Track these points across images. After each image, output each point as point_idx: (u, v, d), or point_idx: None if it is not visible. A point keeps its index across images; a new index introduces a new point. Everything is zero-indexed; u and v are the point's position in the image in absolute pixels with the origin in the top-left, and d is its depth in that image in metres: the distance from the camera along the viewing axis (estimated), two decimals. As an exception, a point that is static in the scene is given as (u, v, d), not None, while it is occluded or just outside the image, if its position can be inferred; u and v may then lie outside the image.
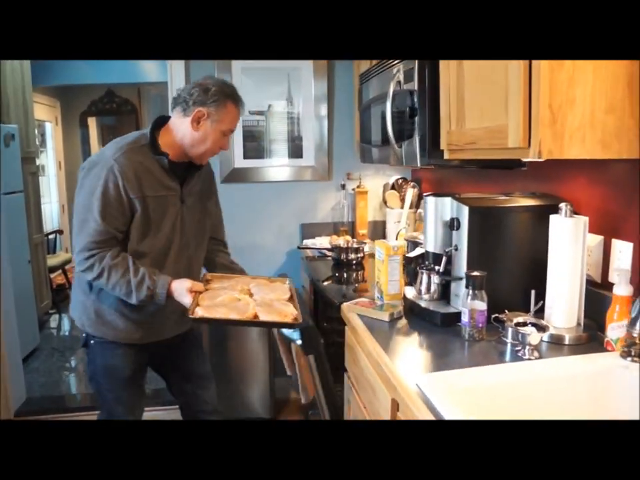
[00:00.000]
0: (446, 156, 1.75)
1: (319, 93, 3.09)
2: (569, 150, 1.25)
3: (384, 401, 1.34)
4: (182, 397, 2.08)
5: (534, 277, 1.59)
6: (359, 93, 2.56)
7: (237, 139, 3.04)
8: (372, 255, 2.64)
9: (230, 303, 1.66)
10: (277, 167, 3.11)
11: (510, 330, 1.46)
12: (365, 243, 2.53)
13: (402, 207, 2.95)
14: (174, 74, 3.05)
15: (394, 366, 1.31)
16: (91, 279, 1.73)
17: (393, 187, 3.00)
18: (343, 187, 3.10)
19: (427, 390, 1.17)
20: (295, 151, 3.12)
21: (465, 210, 1.56)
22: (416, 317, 1.67)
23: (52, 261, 5.21)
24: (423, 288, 1.70)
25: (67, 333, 4.81)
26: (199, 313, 1.58)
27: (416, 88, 1.80)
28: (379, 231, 3.16)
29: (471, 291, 1.49)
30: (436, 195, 1.69)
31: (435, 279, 1.66)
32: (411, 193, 2.52)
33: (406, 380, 1.23)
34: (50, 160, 7.08)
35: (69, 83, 5.64)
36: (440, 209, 1.66)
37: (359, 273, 2.42)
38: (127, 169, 1.69)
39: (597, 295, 1.53)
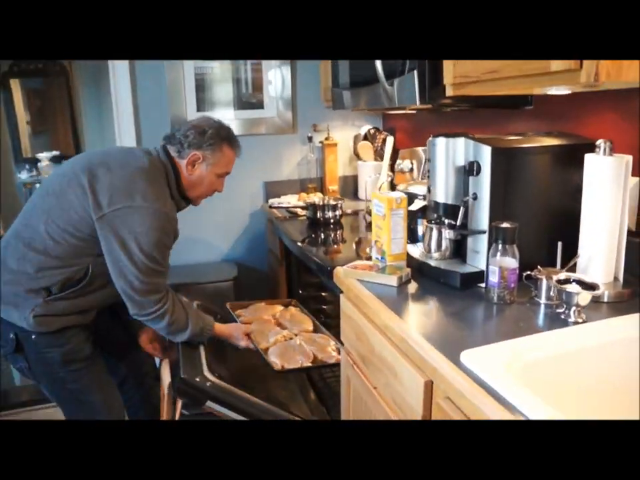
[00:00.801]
0: (449, 92, 1.50)
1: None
2: (627, 72, 1.03)
3: (412, 384, 1.10)
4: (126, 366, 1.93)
5: (562, 228, 1.38)
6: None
7: (189, 88, 2.69)
8: (355, 213, 2.39)
9: (286, 343, 1.80)
10: (235, 119, 2.77)
11: (545, 289, 1.25)
12: (342, 199, 2.26)
13: (375, 159, 2.69)
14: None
15: (424, 342, 1.06)
16: (154, 315, 1.62)
17: (365, 138, 2.73)
18: (310, 139, 2.80)
19: (477, 368, 0.93)
20: (255, 101, 2.79)
21: (486, 151, 1.31)
22: (426, 279, 1.43)
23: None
24: (433, 245, 1.46)
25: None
26: (278, 364, 1.71)
27: (413, 10, 1.51)
28: (349, 186, 2.90)
29: (500, 246, 1.25)
30: (446, 135, 1.43)
31: (448, 234, 1.42)
32: (391, 141, 2.26)
33: (445, 358, 0.99)
34: (-31, 126, 6.42)
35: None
36: (452, 151, 1.41)
37: (338, 232, 2.16)
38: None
39: (633, 245, 1.33)
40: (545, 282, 1.25)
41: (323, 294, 2.48)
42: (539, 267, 1.28)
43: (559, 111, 1.65)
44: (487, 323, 1.20)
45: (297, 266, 2.39)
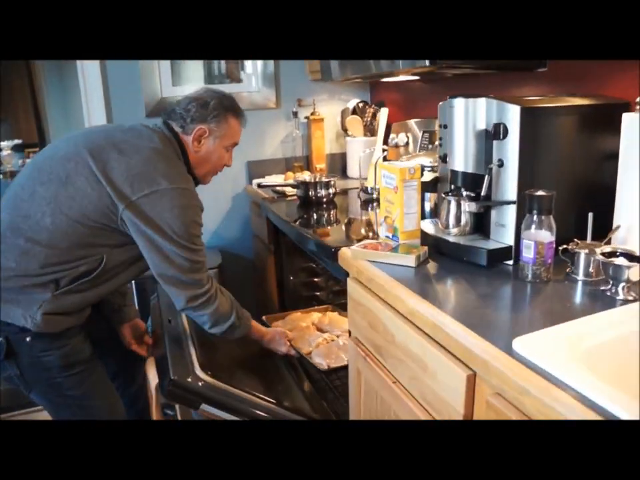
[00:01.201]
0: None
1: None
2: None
3: (449, 378, 0.94)
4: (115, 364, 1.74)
5: (592, 196, 1.25)
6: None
7: (164, 62, 2.48)
8: (345, 192, 2.23)
9: (329, 345, 1.78)
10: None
11: (584, 264, 1.11)
12: (335, 176, 2.08)
13: (365, 135, 2.52)
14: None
15: (466, 329, 0.91)
16: (206, 296, 1.50)
17: (353, 112, 2.56)
18: (295, 115, 2.62)
19: (536, 358, 0.79)
20: (234, 73, 2.59)
21: (514, 111, 1.16)
22: (445, 258, 1.28)
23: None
24: (451, 219, 1.31)
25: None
26: (324, 364, 1.69)
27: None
28: (337, 164, 2.73)
29: (535, 217, 1.11)
30: (465, 95, 1.27)
31: (468, 206, 1.27)
32: (385, 112, 2.10)
33: (496, 348, 0.84)
34: None
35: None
36: (471, 114, 1.25)
37: (332, 212, 1.99)
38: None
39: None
40: (583, 256, 1.11)
41: (316, 279, 2.32)
42: (575, 239, 1.15)
43: (578, 72, 1.51)
44: (528, 305, 1.05)
45: (287, 251, 2.22)
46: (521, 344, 0.83)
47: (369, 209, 1.97)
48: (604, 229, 1.17)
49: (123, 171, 1.37)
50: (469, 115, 1.25)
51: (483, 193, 1.22)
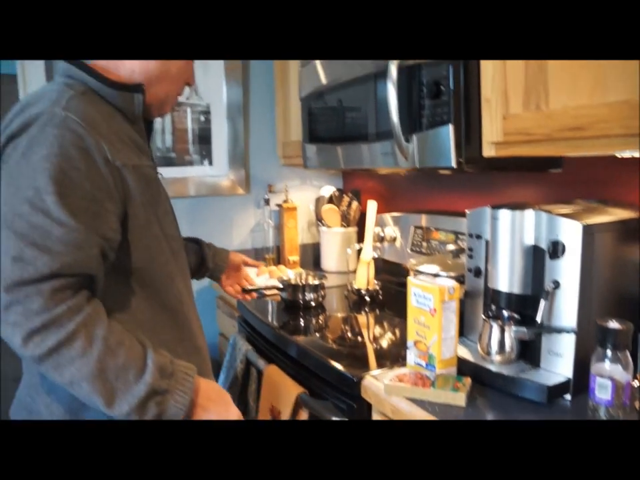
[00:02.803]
0: (490, 152, 1.24)
1: (231, 84, 2.40)
2: None
3: None
4: None
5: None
6: (301, 78, 1.95)
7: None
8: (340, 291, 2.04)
9: None
10: (180, 177, 2.35)
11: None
12: (325, 277, 1.89)
13: (342, 225, 2.37)
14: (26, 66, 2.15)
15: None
16: (36, 353, 0.86)
17: (330, 201, 2.41)
18: (267, 202, 2.44)
19: None
20: (203, 156, 2.40)
21: (574, 228, 1.03)
22: (488, 389, 1.11)
23: None
24: (494, 345, 1.14)
25: None
26: None
27: (448, 55, 1.24)
28: (309, 256, 2.55)
29: (609, 352, 0.96)
30: (510, 206, 1.14)
31: (517, 332, 1.11)
32: (374, 206, 1.95)
33: None
34: None
35: None
36: (518, 227, 1.12)
37: (325, 318, 1.78)
38: (94, 121, 0.95)
39: None
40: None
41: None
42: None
43: (597, 175, 1.43)
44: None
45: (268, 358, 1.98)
46: None
47: (362, 313, 1.79)
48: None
49: None
50: (515, 228, 1.12)
51: (538, 320, 1.06)
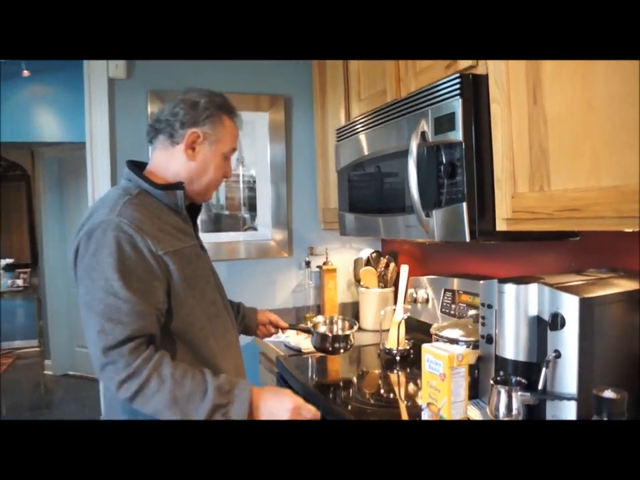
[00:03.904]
0: (502, 227, 1.34)
1: (275, 153, 2.61)
2: None
3: None
4: None
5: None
6: (337, 152, 2.12)
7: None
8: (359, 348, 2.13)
9: None
10: (226, 242, 2.54)
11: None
12: (356, 323, 1.94)
13: (379, 286, 2.48)
14: (95, 130, 2.43)
15: None
16: (127, 395, 1.17)
17: (367, 263, 2.53)
18: (308, 264, 2.59)
19: None
20: (248, 222, 2.59)
21: (572, 302, 1.12)
22: (496, 454, 1.18)
23: None
24: (502, 409, 1.21)
25: None
26: None
27: (461, 138, 1.36)
28: (348, 314, 2.65)
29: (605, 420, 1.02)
30: (515, 280, 1.23)
31: (522, 397, 1.18)
32: (406, 270, 2.07)
33: None
34: None
35: (-54, 142, 4.72)
36: (522, 300, 1.21)
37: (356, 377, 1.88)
38: (140, 221, 1.24)
39: None
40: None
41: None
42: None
43: (613, 244, 1.49)
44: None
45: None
46: None
47: (392, 371, 1.88)
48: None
49: None
50: (520, 301, 1.21)
51: (540, 386, 1.14)
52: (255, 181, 2.58)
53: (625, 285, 1.23)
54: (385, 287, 2.47)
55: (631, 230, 1.32)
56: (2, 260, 6.63)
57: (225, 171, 1.44)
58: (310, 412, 1.27)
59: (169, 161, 1.38)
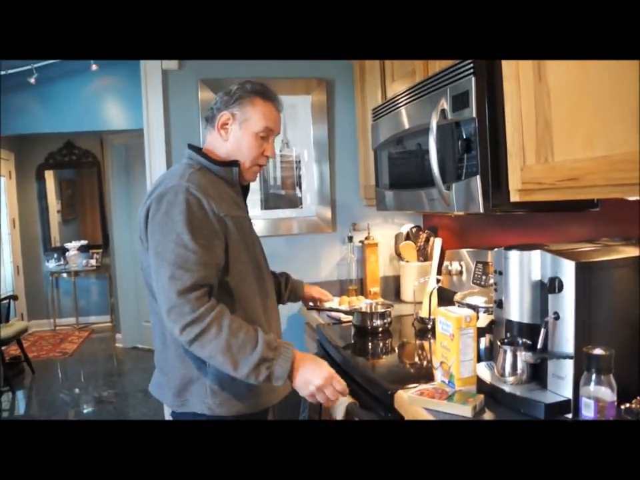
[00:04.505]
0: (515, 198, 1.41)
1: (318, 134, 2.74)
2: None
3: None
4: None
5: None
6: (373, 131, 2.22)
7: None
8: (399, 318, 2.25)
9: None
10: (273, 219, 2.71)
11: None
12: (392, 306, 2.11)
13: (418, 259, 2.58)
14: (151, 118, 2.63)
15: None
16: (188, 338, 1.31)
17: (407, 237, 2.63)
18: (350, 239, 2.71)
19: None
20: (294, 200, 2.74)
21: (569, 266, 1.19)
22: (501, 408, 1.27)
23: (5, 330, 4.60)
24: (507, 368, 1.31)
25: (22, 414, 4.20)
26: None
27: (474, 115, 1.45)
28: (390, 287, 2.77)
29: (594, 376, 1.10)
30: (519, 247, 1.32)
31: (525, 356, 1.27)
32: (439, 243, 2.16)
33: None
34: (2, 217, 6.50)
35: (24, 132, 5.08)
36: (526, 265, 1.29)
37: (387, 342, 2.00)
38: (205, 188, 1.42)
39: None
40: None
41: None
42: (639, 397, 1.13)
43: (631, 214, 1.53)
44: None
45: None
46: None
47: (424, 339, 1.98)
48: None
49: None
50: (523, 266, 1.29)
51: (539, 346, 1.23)
52: (299, 161, 2.72)
53: (629, 252, 1.29)
54: (425, 260, 2.56)
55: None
56: (77, 242, 7.10)
57: (263, 150, 1.55)
58: (340, 384, 1.40)
59: (214, 144, 1.55)
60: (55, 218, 7.25)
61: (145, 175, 2.70)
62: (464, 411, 1.22)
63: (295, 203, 2.75)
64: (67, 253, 7.00)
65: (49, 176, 7.14)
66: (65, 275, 7.01)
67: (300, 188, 2.75)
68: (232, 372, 1.32)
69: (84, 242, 7.18)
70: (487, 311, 1.60)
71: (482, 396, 1.28)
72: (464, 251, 2.33)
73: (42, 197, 7.08)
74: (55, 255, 7.11)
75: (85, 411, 4.17)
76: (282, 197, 2.73)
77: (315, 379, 1.37)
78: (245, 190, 1.65)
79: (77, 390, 4.64)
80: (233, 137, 1.52)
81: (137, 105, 2.80)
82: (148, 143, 2.64)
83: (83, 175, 7.26)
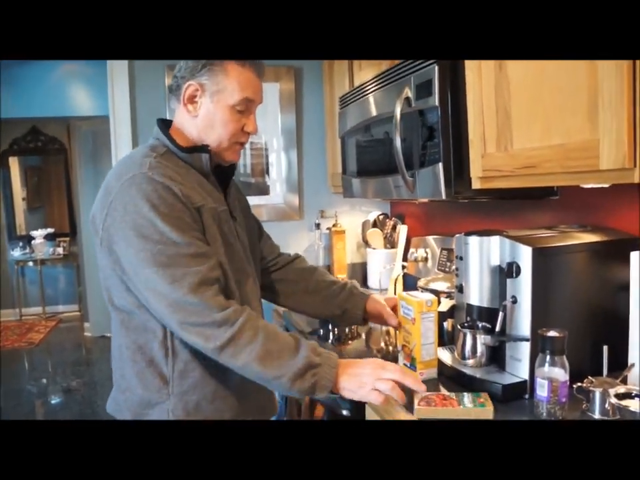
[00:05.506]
0: (476, 185, 1.44)
1: (286, 121, 2.74)
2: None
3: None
4: None
5: (606, 330, 1.30)
6: (340, 118, 2.23)
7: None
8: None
9: None
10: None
11: (600, 402, 1.14)
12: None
13: (385, 247, 2.61)
14: (117, 104, 2.60)
15: None
16: (214, 346, 1.09)
17: (374, 224, 2.66)
18: (318, 226, 2.73)
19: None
20: (263, 188, 2.74)
21: (526, 251, 1.23)
22: (460, 388, 1.31)
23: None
24: (467, 351, 1.34)
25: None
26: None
27: (437, 103, 1.47)
28: (357, 274, 2.80)
29: (548, 357, 1.14)
30: (479, 233, 1.35)
31: (484, 339, 1.31)
32: (404, 230, 2.19)
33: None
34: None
35: (-13, 118, 4.99)
36: (486, 250, 1.32)
37: (353, 327, 2.02)
38: (171, 176, 1.16)
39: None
40: (599, 395, 1.14)
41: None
42: (589, 377, 1.17)
43: (589, 202, 1.58)
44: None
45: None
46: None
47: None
48: (621, 360, 1.21)
49: None
50: (483, 251, 1.32)
51: (497, 329, 1.26)
52: (267, 149, 2.72)
53: (584, 238, 1.33)
54: (392, 247, 2.60)
55: (607, 186, 1.43)
56: (44, 230, 6.98)
57: (242, 125, 1.28)
58: (392, 364, 1.18)
59: (182, 121, 1.29)
60: (20, 206, 7.11)
61: (113, 162, 2.67)
62: (485, 414, 1.16)
63: (264, 190, 2.75)
64: (32, 241, 6.87)
65: (14, 163, 6.99)
66: (30, 263, 6.88)
67: (269, 175, 2.75)
68: (272, 381, 1.11)
69: (50, 230, 7.06)
70: (449, 296, 1.64)
71: (486, 393, 1.24)
72: (430, 238, 2.37)
73: (6, 185, 6.93)
74: (21, 244, 6.98)
75: (52, 402, 4.13)
76: (251, 184, 2.73)
77: (364, 369, 1.14)
78: (229, 172, 1.38)
79: (44, 380, 4.58)
80: (203, 112, 1.25)
81: (104, 91, 2.76)
82: (114, 129, 2.61)
83: (49, 162, 7.12)
